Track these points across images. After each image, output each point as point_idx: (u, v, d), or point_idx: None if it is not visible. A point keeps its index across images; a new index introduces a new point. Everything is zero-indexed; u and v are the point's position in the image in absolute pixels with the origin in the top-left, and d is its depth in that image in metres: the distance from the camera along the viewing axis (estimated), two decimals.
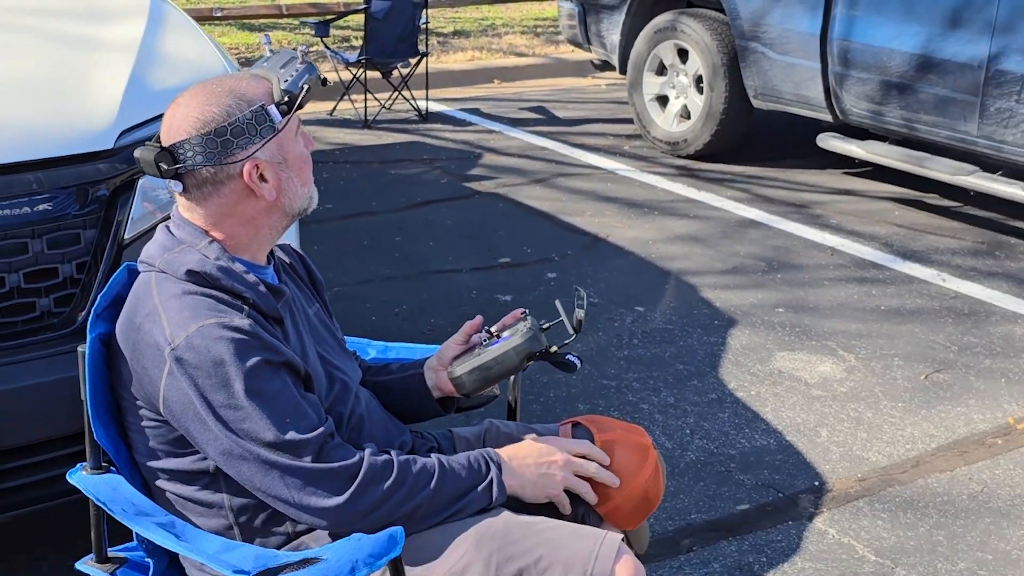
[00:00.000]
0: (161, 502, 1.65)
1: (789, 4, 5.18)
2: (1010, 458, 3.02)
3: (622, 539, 1.59)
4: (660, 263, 4.45)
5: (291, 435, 1.49)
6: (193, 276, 1.55)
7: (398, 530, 1.46)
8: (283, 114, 1.58)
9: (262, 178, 1.59)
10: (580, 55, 8.05)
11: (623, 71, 6.15)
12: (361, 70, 6.54)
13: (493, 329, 1.81)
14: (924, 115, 4.82)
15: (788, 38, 5.23)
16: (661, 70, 5.94)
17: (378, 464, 1.54)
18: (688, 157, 5.86)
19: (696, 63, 5.69)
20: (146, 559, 1.69)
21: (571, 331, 1.75)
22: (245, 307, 1.55)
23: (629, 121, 6.42)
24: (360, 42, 7.09)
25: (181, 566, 1.72)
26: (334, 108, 6.72)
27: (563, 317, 1.78)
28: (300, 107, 1.60)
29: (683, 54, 5.78)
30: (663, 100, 6.01)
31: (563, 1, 6.44)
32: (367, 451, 1.56)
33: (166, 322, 1.52)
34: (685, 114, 5.89)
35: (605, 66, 6.57)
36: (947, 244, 4.75)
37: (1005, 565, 2.54)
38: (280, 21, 9.15)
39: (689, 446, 3.06)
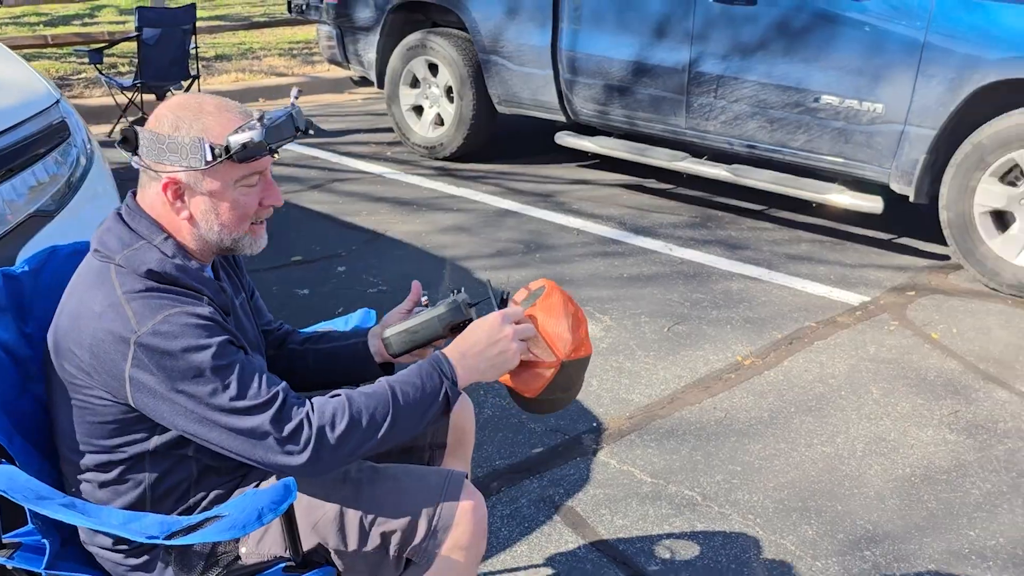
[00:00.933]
0: (70, 484, 1.68)
1: (522, 22, 5.51)
2: (743, 388, 3.47)
3: (466, 476, 1.75)
4: (435, 251, 4.69)
5: (256, 401, 1.54)
6: (154, 275, 1.58)
7: (291, 480, 1.55)
8: (215, 157, 1.57)
9: (179, 197, 1.62)
10: (336, 73, 8.18)
11: (381, 85, 6.33)
12: (137, 93, 6.45)
13: (424, 300, 1.92)
14: (641, 112, 5.25)
15: (523, 51, 5.58)
16: (415, 83, 6.16)
17: (333, 411, 1.58)
18: (445, 159, 6.13)
19: (446, 76, 5.95)
20: (41, 540, 1.65)
21: (496, 307, 1.80)
22: (204, 298, 1.60)
23: (389, 130, 6.63)
24: (129, 68, 6.96)
25: (76, 545, 1.73)
26: (112, 130, 6.58)
27: (490, 295, 1.83)
28: (234, 160, 1.58)
29: (434, 68, 6.03)
30: (419, 110, 6.23)
31: (322, 24, 6.55)
32: (321, 400, 1.59)
33: (131, 313, 1.53)
34: (439, 121, 6.15)
35: (364, 81, 6.73)
36: (669, 220, 5.24)
37: (750, 473, 2.95)
38: (45, 51, 8.80)
39: (485, 404, 3.32)
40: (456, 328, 1.82)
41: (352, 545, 1.68)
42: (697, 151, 5.24)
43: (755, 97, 4.78)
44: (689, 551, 2.58)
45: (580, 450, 3.06)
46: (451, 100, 6.01)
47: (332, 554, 1.69)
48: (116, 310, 1.54)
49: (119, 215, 1.66)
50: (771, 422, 3.24)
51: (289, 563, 1.65)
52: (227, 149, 1.57)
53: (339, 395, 1.61)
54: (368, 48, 6.26)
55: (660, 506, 2.77)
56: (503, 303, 1.83)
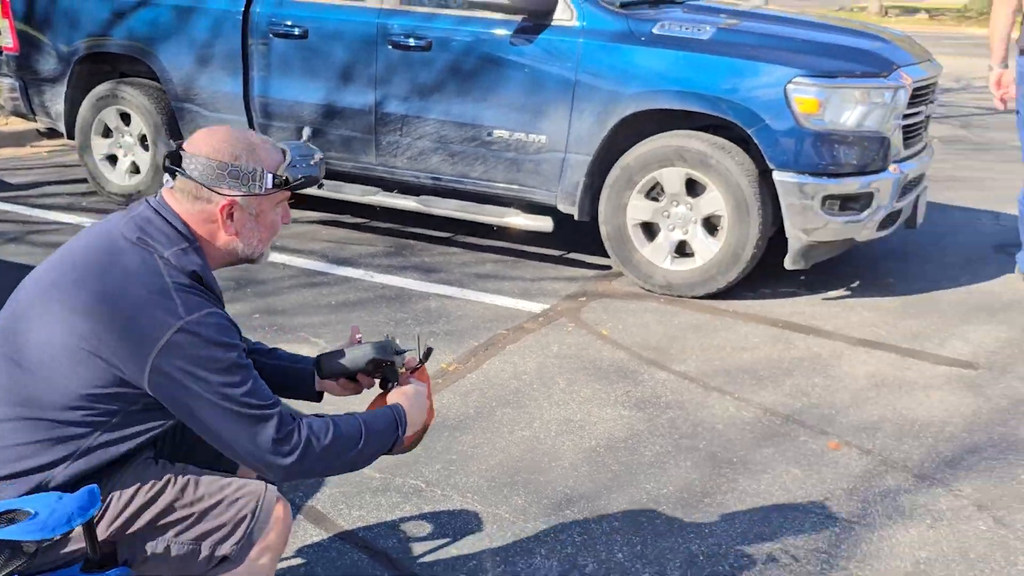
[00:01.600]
0: None
1: (214, 70, 5.66)
2: (450, 390, 3.83)
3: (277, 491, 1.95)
4: None
5: (265, 402, 1.77)
6: (196, 277, 1.80)
7: (95, 487, 1.71)
8: (275, 186, 1.86)
9: (231, 216, 1.86)
10: (16, 126, 7.85)
11: (71, 136, 6.23)
12: None
13: (359, 338, 2.20)
14: (334, 152, 5.52)
15: (217, 98, 5.72)
16: (107, 132, 6.13)
17: (320, 427, 1.82)
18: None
19: (139, 124, 5.97)
20: None
21: (418, 359, 2.17)
22: (222, 305, 1.86)
23: (83, 180, 6.48)
24: None
25: None
26: None
27: (417, 348, 2.17)
28: (290, 190, 1.90)
29: (126, 117, 6.02)
30: (113, 159, 6.19)
31: (2, 77, 6.35)
32: (310, 417, 1.83)
33: (180, 303, 1.73)
34: (135, 169, 6.14)
35: (53, 133, 6.58)
36: (367, 250, 5.56)
37: (464, 460, 3.31)
38: None
39: None
40: (379, 366, 2.11)
41: (174, 542, 1.87)
42: (388, 185, 5.58)
43: (437, 134, 5.21)
44: (420, 529, 2.90)
45: None
46: (146, 148, 6.03)
47: (148, 550, 1.86)
48: (166, 296, 1.74)
49: (157, 212, 1.85)
50: (477, 416, 3.63)
51: (88, 560, 1.81)
52: (286, 180, 1.88)
53: (323, 417, 1.86)
54: (55, 99, 6.16)
55: (390, 496, 3.07)
56: (426, 357, 2.18)
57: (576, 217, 5.11)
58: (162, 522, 1.87)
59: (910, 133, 4.93)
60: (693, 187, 4.86)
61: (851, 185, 4.65)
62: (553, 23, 4.95)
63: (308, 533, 2.87)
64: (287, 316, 4.51)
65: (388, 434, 1.95)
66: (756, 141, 4.65)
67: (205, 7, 5.66)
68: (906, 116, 4.83)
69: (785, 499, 3.12)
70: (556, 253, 5.63)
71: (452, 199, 5.38)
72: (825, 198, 4.62)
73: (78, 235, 1.93)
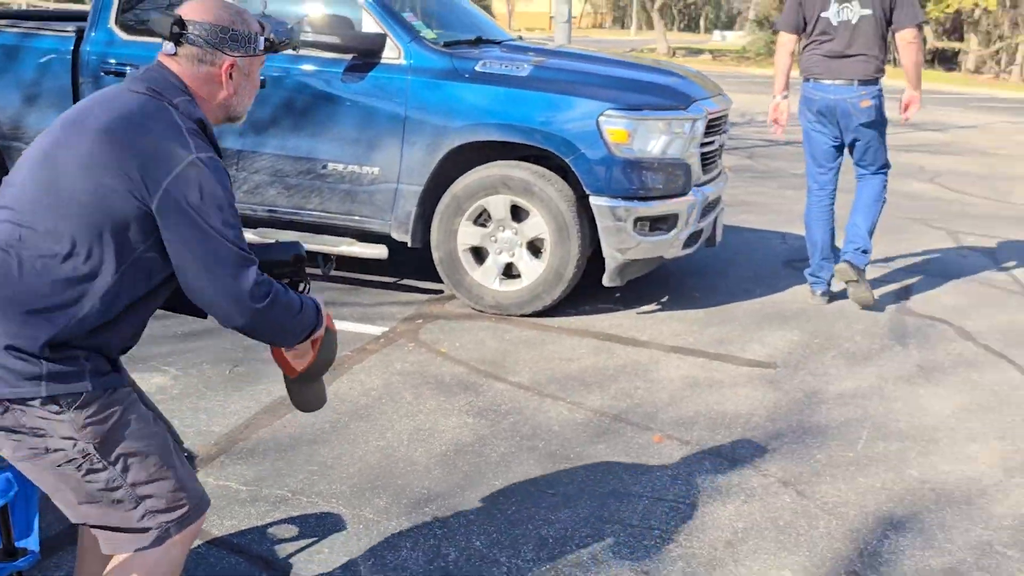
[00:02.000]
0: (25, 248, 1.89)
1: (43, 108, 5.56)
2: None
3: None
4: None
5: (249, 251, 1.98)
6: (202, 125, 2.04)
7: (10, 475, 1.86)
8: (266, 48, 2.13)
9: (231, 76, 2.10)
10: None
11: None
12: None
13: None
14: None
15: None
16: None
17: (283, 289, 2.05)
18: None
19: None
20: None
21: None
22: None
23: None
24: None
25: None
26: None
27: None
28: (274, 51, 2.15)
29: None
30: None
31: None
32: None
33: (191, 142, 1.94)
34: None
35: None
36: None
37: (325, 470, 3.49)
38: None
39: None
40: (299, 263, 2.34)
41: (124, 482, 1.99)
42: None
43: (273, 168, 5.36)
44: (291, 532, 3.07)
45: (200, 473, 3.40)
46: None
47: (101, 479, 1.97)
48: (179, 134, 1.95)
49: (160, 72, 2.07)
50: (332, 430, 3.81)
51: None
52: (274, 42, 2.14)
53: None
54: None
55: (259, 505, 3.22)
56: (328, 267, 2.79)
57: (409, 244, 5.36)
58: (130, 459, 2.00)
59: (708, 160, 5.44)
60: (518, 213, 5.20)
61: (659, 207, 5.10)
62: (382, 61, 5.20)
63: None
64: (136, 347, 4.54)
65: (313, 314, 2.15)
66: (573, 169, 5.04)
67: (33, 46, 5.62)
68: (703, 144, 5.33)
69: (619, 487, 3.46)
70: (392, 280, 5.86)
71: (289, 230, 5.52)
72: (636, 220, 5.05)
73: (85, 99, 2.10)
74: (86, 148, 1.92)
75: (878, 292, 5.88)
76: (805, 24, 5.56)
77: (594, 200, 5.06)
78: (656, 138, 5.06)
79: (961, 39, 33.62)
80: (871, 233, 5.65)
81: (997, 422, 4.13)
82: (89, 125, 1.95)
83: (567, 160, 5.04)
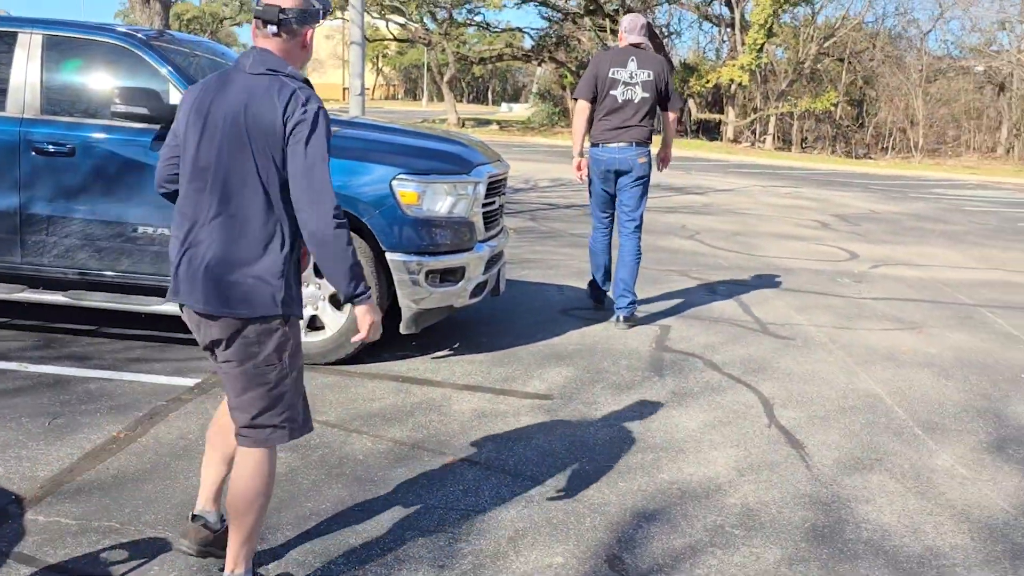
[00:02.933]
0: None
1: None
2: (126, 452, 4.21)
3: None
4: None
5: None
6: (307, 83, 2.86)
7: None
8: (322, 17, 2.91)
9: (308, 45, 2.93)
10: None
11: None
12: None
13: None
14: None
15: None
16: None
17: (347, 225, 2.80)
18: None
19: None
20: None
21: None
22: None
23: None
24: None
25: None
26: None
27: None
28: (323, 19, 2.93)
29: None
30: None
31: None
32: None
33: (303, 96, 2.77)
34: None
35: None
36: (17, 344, 5.69)
37: (151, 503, 3.75)
38: None
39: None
40: None
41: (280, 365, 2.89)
42: (34, 282, 5.74)
43: (84, 232, 5.53)
44: (120, 556, 3.33)
45: (8, 517, 3.57)
46: None
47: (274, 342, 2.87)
48: (296, 95, 2.77)
49: (267, 52, 2.86)
50: (154, 470, 4.05)
51: None
52: (326, 11, 2.93)
53: None
54: None
55: (89, 536, 3.45)
56: None
57: None
58: (296, 371, 2.97)
59: (490, 218, 6.03)
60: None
61: (448, 261, 5.62)
62: None
63: (21, 572, 3.20)
64: None
65: (352, 267, 2.78)
66: (370, 228, 5.49)
67: None
68: (485, 204, 5.91)
69: (417, 501, 3.89)
70: None
71: (101, 291, 5.68)
72: (428, 272, 5.55)
73: (213, 86, 2.88)
74: (244, 129, 2.77)
75: (642, 334, 6.60)
76: (596, 95, 6.78)
77: (390, 256, 5.52)
78: (443, 199, 5.59)
79: (721, 111, 36.42)
80: (634, 283, 6.88)
81: (733, 434, 4.83)
82: (240, 112, 2.77)
83: (364, 220, 5.48)
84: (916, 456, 4.65)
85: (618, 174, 6.80)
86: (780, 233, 12.32)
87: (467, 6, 39.44)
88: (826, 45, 35.01)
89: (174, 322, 6.04)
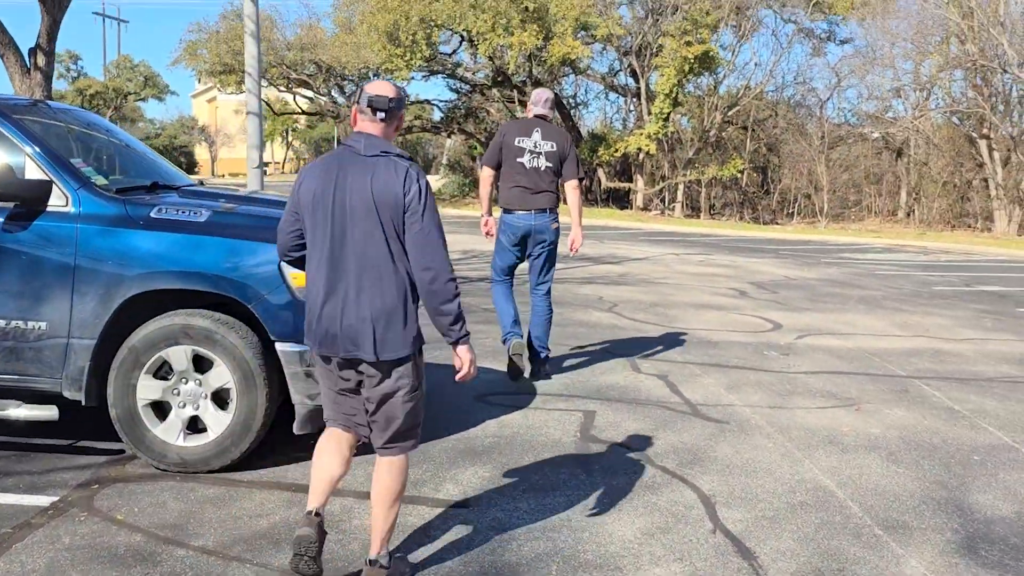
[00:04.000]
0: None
1: None
2: None
3: None
4: None
5: None
6: (412, 160, 3.38)
7: None
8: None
9: (401, 123, 3.56)
10: None
11: None
12: None
13: None
14: None
15: None
16: None
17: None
18: None
19: None
20: None
21: None
22: None
23: None
24: None
25: None
26: None
27: None
28: None
29: None
30: None
31: None
32: None
33: (415, 173, 3.35)
34: None
35: None
36: None
37: None
38: None
39: None
40: None
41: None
42: None
43: None
44: None
45: None
46: None
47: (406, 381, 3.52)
48: (410, 173, 3.34)
49: (373, 137, 3.41)
50: None
51: None
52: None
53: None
54: None
55: None
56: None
57: (84, 403, 4.88)
58: (422, 390, 3.58)
59: None
60: (201, 363, 4.88)
61: None
62: (49, 209, 4.81)
63: None
64: None
65: (458, 316, 3.48)
66: (257, 315, 4.82)
67: None
68: None
69: None
70: (66, 442, 5.30)
71: None
72: None
73: (335, 168, 3.41)
74: (375, 211, 3.35)
75: (565, 422, 6.00)
76: (500, 164, 6.96)
77: (280, 346, 4.85)
78: None
79: (630, 180, 36.54)
80: (547, 337, 7.20)
81: (675, 543, 4.23)
82: (369, 194, 3.35)
83: (249, 306, 4.81)
84: (882, 563, 4.10)
85: (530, 240, 6.95)
86: (699, 303, 11.93)
87: (375, 79, 39.16)
88: (730, 114, 35.48)
89: (33, 428, 5.24)
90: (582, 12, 31.23)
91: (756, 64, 35.66)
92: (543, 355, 7.15)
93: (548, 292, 7.12)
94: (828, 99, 37.52)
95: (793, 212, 36.34)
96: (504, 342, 7.05)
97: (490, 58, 33.36)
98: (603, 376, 7.44)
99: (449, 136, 44.19)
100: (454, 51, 35.87)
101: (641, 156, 34.31)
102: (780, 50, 36.24)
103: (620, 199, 37.50)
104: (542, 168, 6.86)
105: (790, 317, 10.98)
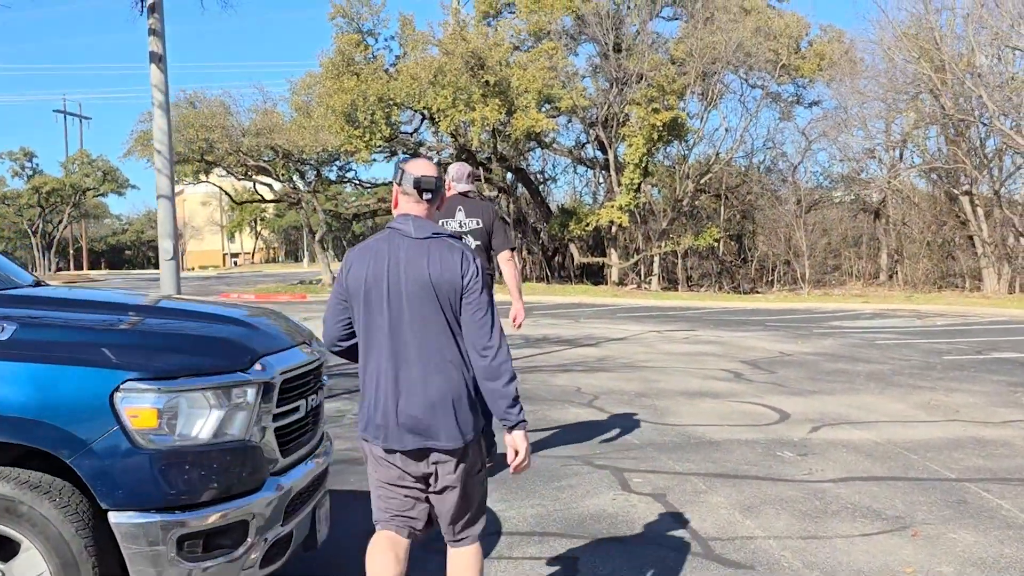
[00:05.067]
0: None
1: None
2: None
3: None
4: None
5: None
6: (465, 243, 3.45)
7: None
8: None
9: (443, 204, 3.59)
10: None
11: None
12: None
13: None
14: None
15: None
16: None
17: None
18: None
19: None
20: None
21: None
22: None
23: None
24: None
25: None
26: None
27: None
28: None
29: None
30: None
31: None
32: None
33: (470, 255, 3.37)
34: None
35: None
36: None
37: None
38: None
39: None
40: None
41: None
42: None
43: None
44: None
45: None
46: None
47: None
48: (465, 255, 3.35)
49: (422, 219, 3.40)
50: None
51: None
52: None
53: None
54: None
55: None
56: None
57: None
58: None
59: (290, 435, 3.88)
60: (3, 547, 3.35)
61: (215, 517, 3.43)
62: None
63: None
64: None
65: (516, 399, 3.33)
66: (79, 473, 3.31)
67: None
68: (283, 414, 3.79)
69: None
70: None
71: None
72: (182, 539, 3.36)
73: (385, 252, 3.37)
74: (434, 295, 3.33)
75: (539, 571, 4.47)
76: None
77: (114, 517, 3.34)
78: (203, 416, 3.46)
79: (604, 254, 35.31)
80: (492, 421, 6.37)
81: None
82: (427, 277, 3.32)
83: (68, 461, 3.31)
84: None
85: None
86: (690, 390, 10.46)
87: (336, 163, 37.95)
88: (702, 182, 34.45)
89: None
90: (544, 84, 30.27)
91: (726, 130, 34.56)
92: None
93: None
94: (800, 163, 36.65)
95: (773, 280, 35.18)
96: None
97: (452, 135, 32.30)
98: (586, 500, 5.91)
99: None
100: (415, 130, 34.81)
101: (614, 229, 33.15)
102: (748, 116, 35.16)
103: (594, 274, 36.24)
104: (472, 245, 6.31)
105: (796, 403, 9.52)
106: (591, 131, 34.53)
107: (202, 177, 37.79)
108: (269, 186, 40.02)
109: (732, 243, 37.03)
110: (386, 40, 37.97)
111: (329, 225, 41.39)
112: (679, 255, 34.73)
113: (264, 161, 35.49)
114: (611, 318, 21.49)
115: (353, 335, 3.44)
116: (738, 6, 32.97)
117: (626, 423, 8.51)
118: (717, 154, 34.44)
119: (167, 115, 8.35)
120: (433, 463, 3.33)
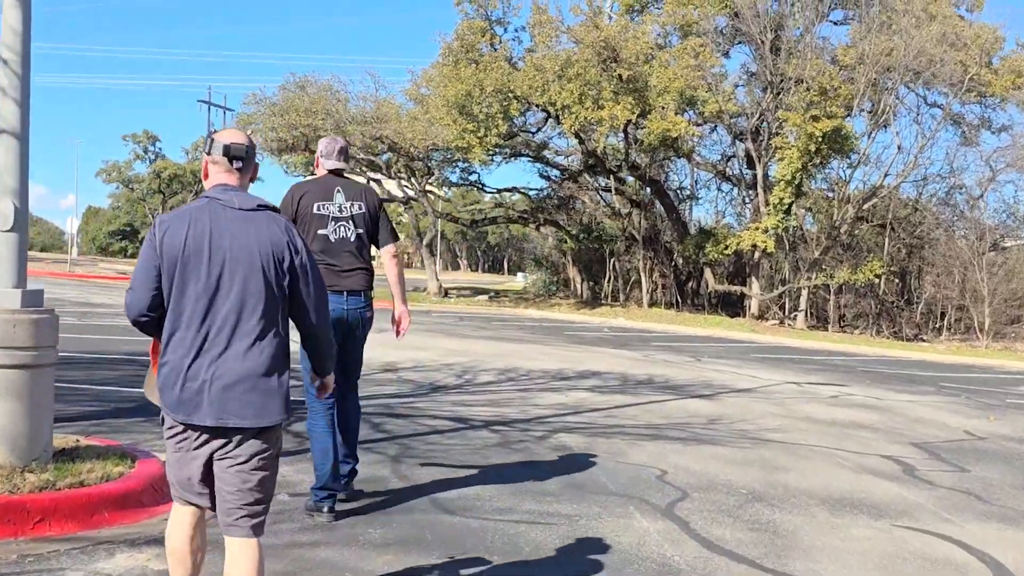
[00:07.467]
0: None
1: None
2: None
3: None
4: None
5: None
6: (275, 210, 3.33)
7: None
8: None
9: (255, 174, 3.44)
10: None
11: None
12: None
13: None
14: None
15: None
16: None
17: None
18: None
19: None
20: None
21: None
22: None
23: None
24: None
25: None
26: None
27: None
28: None
29: None
30: None
31: None
32: None
33: (295, 230, 3.29)
34: None
35: None
36: None
37: None
38: None
39: None
40: None
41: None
42: None
43: None
44: None
45: None
46: None
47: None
48: (290, 228, 3.26)
49: (238, 190, 3.23)
50: None
51: None
52: None
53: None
54: None
55: None
56: None
57: None
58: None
59: None
60: None
61: None
62: None
63: None
64: None
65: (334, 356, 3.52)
66: None
67: None
68: None
69: None
70: None
71: None
72: None
73: (206, 220, 3.13)
74: (257, 265, 3.16)
75: None
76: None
77: None
78: None
79: (744, 283, 31.32)
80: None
81: None
82: (254, 248, 3.17)
83: None
84: None
85: (347, 328, 5.45)
86: (835, 495, 6.81)
87: (458, 164, 35.08)
88: (864, 208, 30.00)
89: None
90: (687, 85, 26.61)
91: (899, 147, 29.86)
92: (350, 468, 5.67)
93: (354, 387, 5.71)
94: (981, 195, 31.71)
95: (942, 327, 30.39)
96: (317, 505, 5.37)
97: (577, 136, 28.97)
98: None
99: (537, 228, 39.81)
100: (539, 128, 31.63)
101: (757, 255, 29.13)
102: (924, 137, 30.43)
103: (731, 305, 32.21)
104: (351, 238, 5.55)
105: (1009, 537, 5.76)
106: (739, 143, 30.64)
107: (310, 170, 35.61)
108: (378, 182, 37.53)
109: (895, 281, 32.33)
110: (516, 31, 34.79)
111: (464, 234, 38.62)
112: (831, 290, 30.37)
113: (373, 155, 32.93)
114: (741, 359, 17.73)
115: (163, 304, 3.15)
116: (922, 10, 28.48)
117: (720, 559, 4.97)
118: (885, 176, 29.95)
119: (22, 8, 5.31)
120: (224, 441, 3.14)
